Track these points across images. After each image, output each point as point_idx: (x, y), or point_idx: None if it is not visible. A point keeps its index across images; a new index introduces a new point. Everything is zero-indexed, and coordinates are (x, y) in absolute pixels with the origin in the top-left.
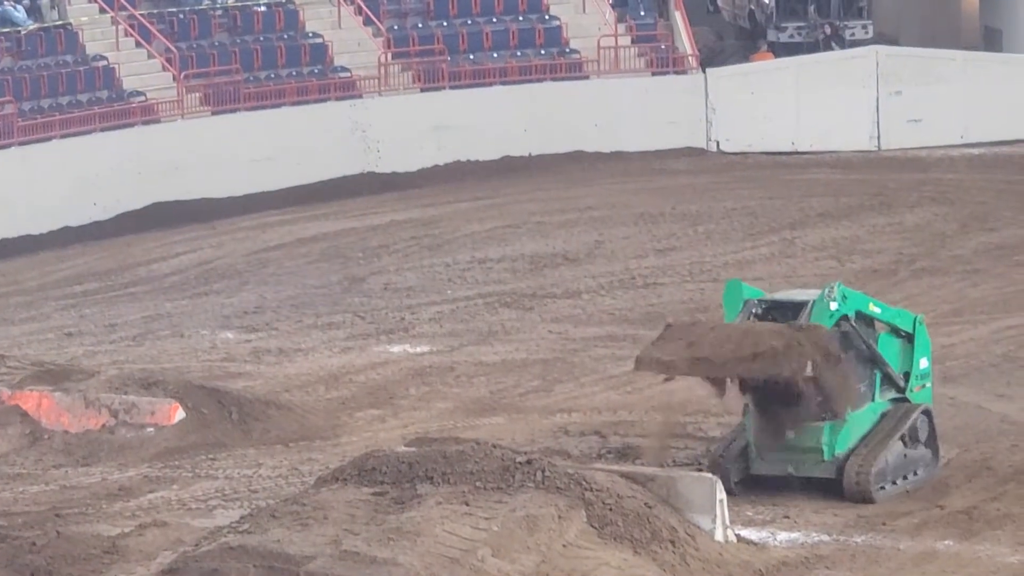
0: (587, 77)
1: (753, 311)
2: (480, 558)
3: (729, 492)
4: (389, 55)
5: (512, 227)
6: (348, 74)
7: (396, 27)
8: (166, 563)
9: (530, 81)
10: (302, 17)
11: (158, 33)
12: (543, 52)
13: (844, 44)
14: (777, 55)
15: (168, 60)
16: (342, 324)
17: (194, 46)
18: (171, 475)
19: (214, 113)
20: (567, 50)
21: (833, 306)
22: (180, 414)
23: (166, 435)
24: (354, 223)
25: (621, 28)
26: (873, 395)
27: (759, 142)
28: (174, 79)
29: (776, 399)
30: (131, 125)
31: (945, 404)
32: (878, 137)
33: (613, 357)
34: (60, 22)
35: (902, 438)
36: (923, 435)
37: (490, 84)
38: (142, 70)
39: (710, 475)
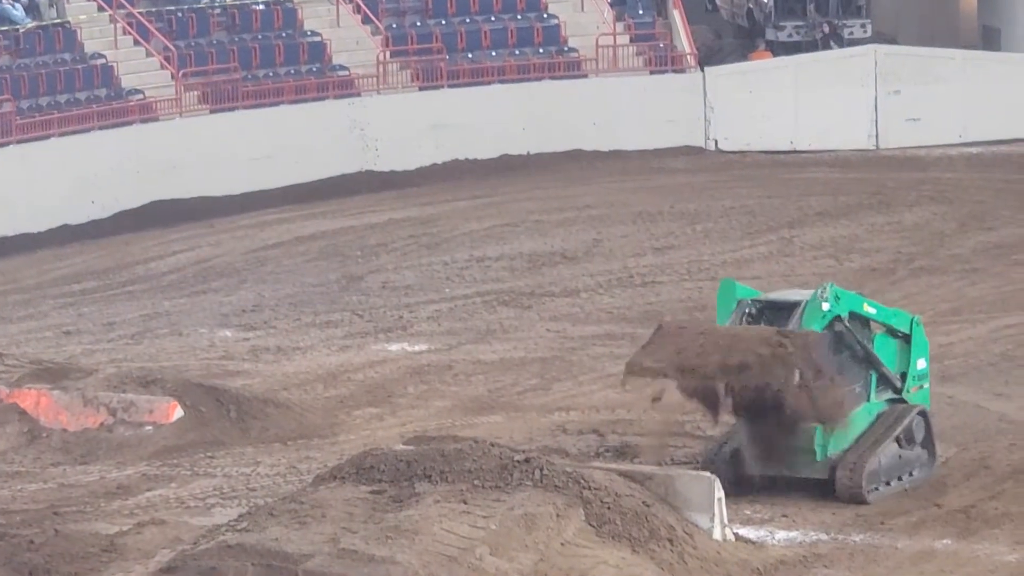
0: (585, 76)
1: (746, 311)
2: (478, 556)
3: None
4: (387, 53)
5: (510, 226)
6: (346, 72)
7: (394, 25)
8: (164, 561)
9: (528, 80)
10: (300, 15)
11: (156, 31)
12: (541, 51)
13: (843, 43)
14: (776, 54)
15: (166, 58)
16: (340, 322)
17: (192, 44)
18: (169, 473)
19: (212, 111)
20: (565, 49)
21: (825, 307)
22: (178, 412)
23: (164, 433)
24: (352, 221)
25: (619, 27)
26: (868, 396)
27: (757, 141)
28: (172, 77)
29: (766, 412)
30: (129, 123)
31: (943, 403)
32: (876, 136)
33: (611, 355)
34: (58, 20)
35: (897, 439)
36: (919, 436)
37: (488, 83)
38: (140, 68)
39: (708, 474)
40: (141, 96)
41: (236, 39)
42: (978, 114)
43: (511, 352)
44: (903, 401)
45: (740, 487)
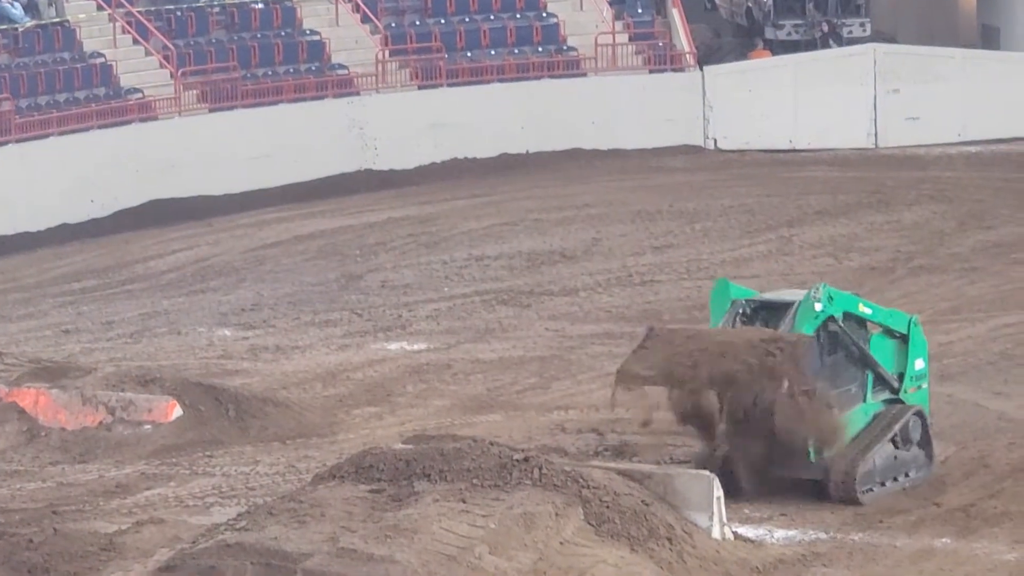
0: (584, 75)
1: (740, 311)
2: (477, 555)
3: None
4: (387, 52)
5: (509, 225)
6: (345, 71)
7: (393, 24)
8: (163, 560)
9: (527, 79)
10: (299, 14)
11: (155, 30)
12: (540, 50)
13: (842, 42)
14: (775, 53)
15: (165, 57)
16: (339, 321)
17: (191, 43)
18: (168, 472)
19: (211, 110)
20: (564, 48)
21: (818, 307)
22: (177, 411)
23: (163, 432)
24: (351, 220)
25: (619, 26)
26: (864, 396)
27: (757, 140)
28: (171, 76)
29: (757, 425)
30: (128, 122)
31: (943, 402)
32: (876, 135)
33: (610, 354)
34: (57, 19)
35: (893, 440)
36: (915, 436)
37: (487, 82)
38: (139, 67)
39: (707, 472)
40: (140, 95)
41: (235, 38)
42: (977, 113)
43: (510, 351)
44: (900, 401)
45: (733, 491)
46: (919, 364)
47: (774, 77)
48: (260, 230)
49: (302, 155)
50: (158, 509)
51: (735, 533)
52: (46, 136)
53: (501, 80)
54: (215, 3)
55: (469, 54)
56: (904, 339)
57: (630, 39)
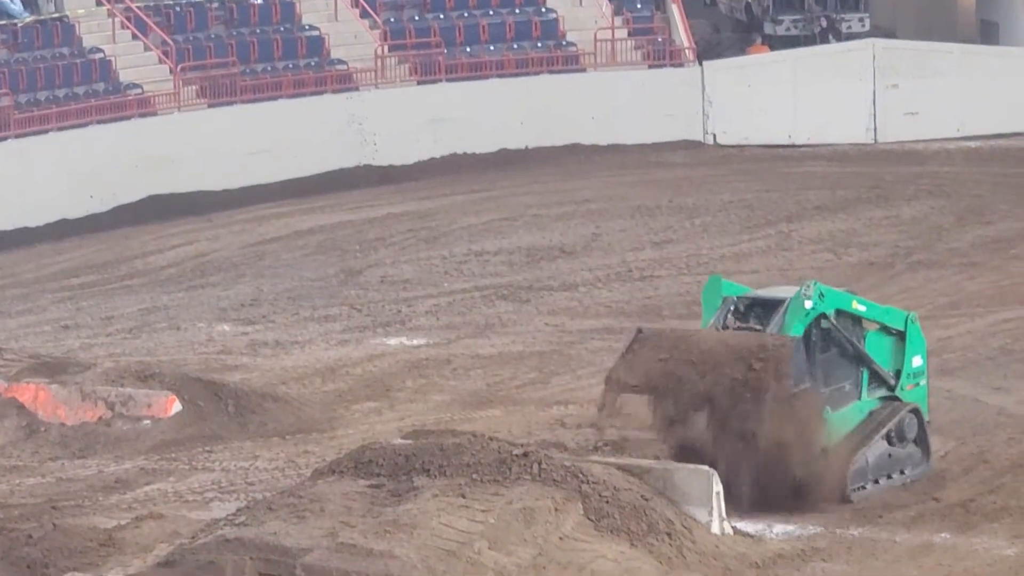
0: (584, 70)
1: (731, 308)
2: (477, 550)
3: None
4: (386, 48)
5: (509, 220)
6: (345, 67)
7: (392, 20)
8: (163, 555)
9: (527, 74)
10: (298, 10)
11: (154, 26)
12: (540, 45)
13: (841, 37)
14: (774, 48)
15: (164, 53)
16: (339, 317)
17: (190, 39)
18: (168, 467)
19: (210, 106)
20: (564, 43)
21: (808, 304)
22: (177, 407)
23: (163, 428)
24: (351, 216)
25: (618, 21)
26: (860, 394)
27: (756, 135)
28: (170, 72)
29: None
30: (127, 118)
31: (942, 397)
32: (875, 130)
33: (610, 350)
34: (56, 14)
35: (888, 437)
36: (911, 434)
37: (487, 77)
38: (138, 63)
39: (707, 468)
40: (139, 90)
41: (234, 33)
42: (976, 108)
43: (509, 346)
44: (897, 399)
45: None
46: (917, 361)
47: (773, 72)
48: (259, 225)
49: (301, 150)
50: (157, 504)
51: (734, 528)
52: (45, 132)
53: (500, 75)
54: None
55: (468, 49)
56: (901, 336)
57: (629, 34)
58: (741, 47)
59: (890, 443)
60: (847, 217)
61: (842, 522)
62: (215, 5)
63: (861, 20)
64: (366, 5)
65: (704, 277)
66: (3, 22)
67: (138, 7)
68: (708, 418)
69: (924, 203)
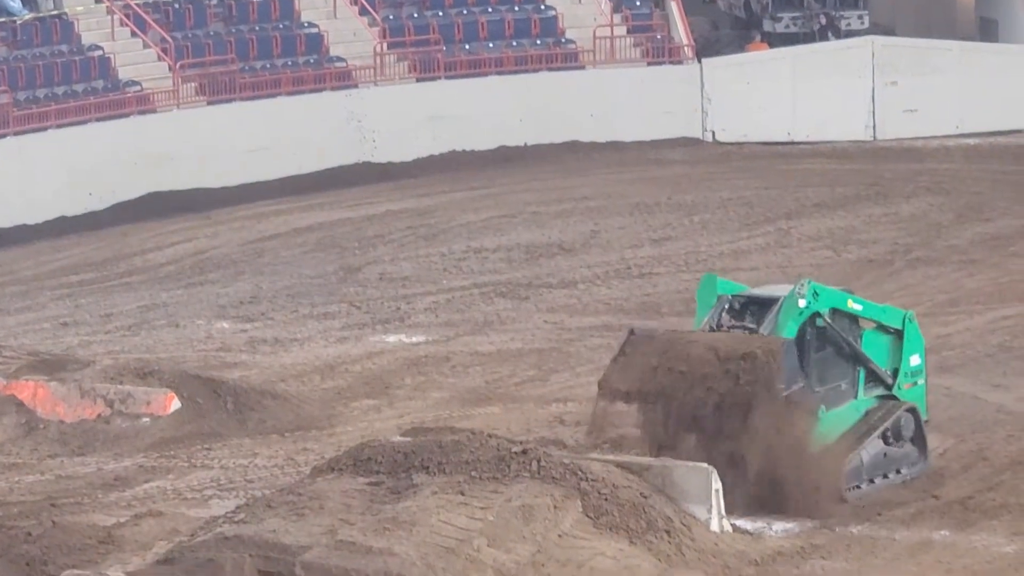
0: (583, 67)
1: (725, 306)
2: (476, 548)
3: None
4: (385, 45)
5: (508, 217)
6: (344, 64)
7: (391, 17)
8: (162, 553)
9: (526, 71)
10: (297, 7)
11: (153, 23)
12: (539, 42)
13: (840, 34)
14: (773, 45)
15: (163, 50)
16: (338, 314)
17: (189, 36)
18: (167, 465)
19: (209, 103)
20: (563, 40)
21: (801, 303)
22: (176, 404)
23: (162, 425)
24: (350, 213)
25: (617, 18)
26: (856, 392)
27: (755, 132)
28: (170, 69)
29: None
30: (127, 115)
31: (941, 394)
32: (874, 127)
33: (608, 347)
34: (56, 12)
35: (884, 436)
36: (907, 433)
37: (486, 74)
38: (138, 60)
39: (706, 465)
40: (138, 88)
41: (233, 30)
42: (975, 105)
43: (508, 343)
44: (894, 398)
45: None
46: (915, 360)
47: (772, 69)
48: (258, 223)
49: (300, 148)
50: (156, 502)
51: (733, 525)
52: (44, 129)
53: (499, 73)
54: None
55: (467, 46)
56: (899, 335)
57: (628, 32)
58: (740, 44)
59: (886, 442)
60: (846, 214)
61: (841, 519)
62: (214, 2)
63: (860, 17)
64: (365, 2)
65: (703, 275)
66: (2, 19)
67: (137, 4)
68: (698, 432)
69: (923, 200)
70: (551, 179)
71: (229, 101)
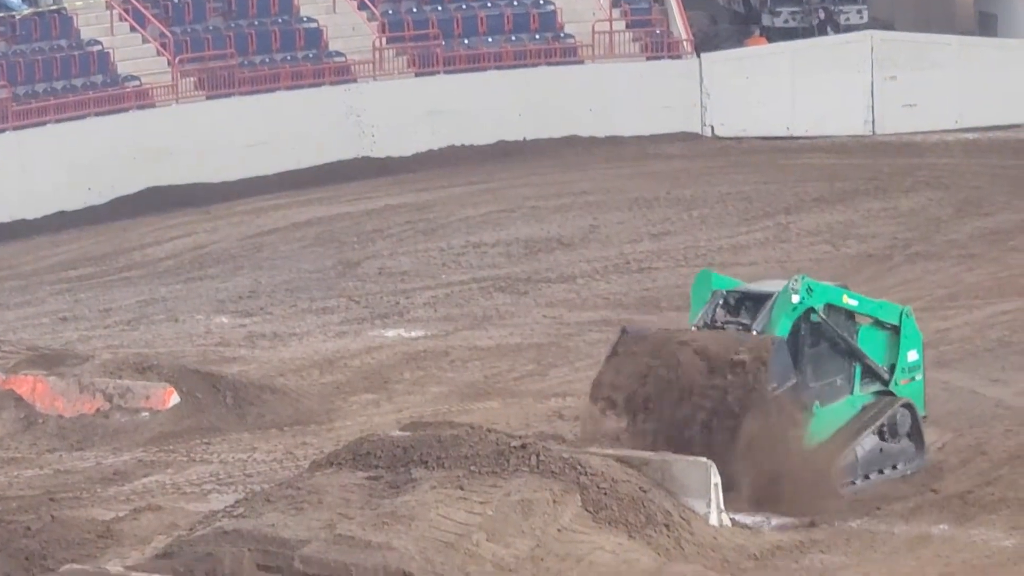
0: (582, 62)
1: (720, 302)
2: (475, 542)
3: None
4: (384, 40)
5: (507, 211)
6: (343, 59)
7: (391, 11)
8: (161, 547)
9: (525, 66)
10: (296, 1)
11: (152, 18)
12: (538, 37)
13: (839, 29)
14: (772, 40)
15: (163, 45)
16: (336, 308)
17: (188, 31)
18: (166, 459)
19: (209, 98)
20: (562, 35)
21: (795, 299)
22: (175, 398)
23: (161, 419)
24: (348, 208)
25: (616, 13)
26: (852, 388)
27: (754, 127)
28: (169, 64)
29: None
30: (126, 110)
31: (940, 389)
32: (873, 122)
33: (607, 342)
34: (54, 7)
35: (879, 432)
36: (904, 429)
37: (485, 69)
38: (137, 55)
39: (705, 459)
40: (137, 82)
41: (232, 25)
42: (974, 100)
43: (507, 338)
44: (891, 393)
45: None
46: (912, 356)
47: (771, 64)
48: (257, 217)
49: (299, 142)
50: (155, 496)
51: (732, 520)
52: (43, 124)
53: (498, 67)
54: None
55: (466, 41)
56: (896, 330)
57: (627, 26)
58: (739, 39)
59: (882, 438)
60: (845, 209)
61: (840, 513)
62: None
63: (859, 12)
64: None
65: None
66: (1, 14)
67: None
68: (686, 447)
69: (922, 195)
70: (550, 174)
71: (228, 96)
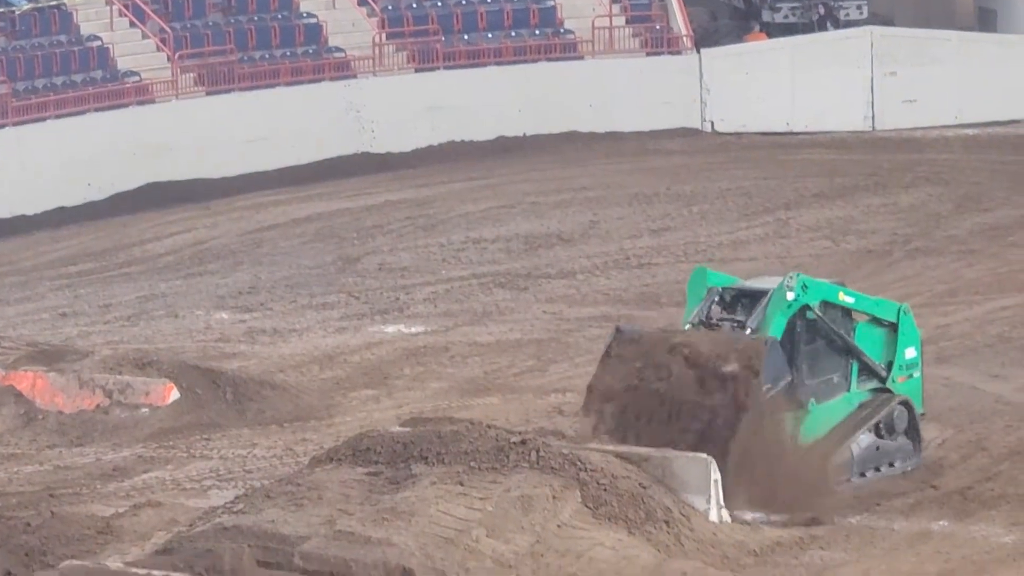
0: (582, 57)
1: (715, 299)
2: (474, 538)
3: None
4: (383, 35)
5: (507, 207)
6: (342, 54)
7: (390, 7)
8: (160, 543)
9: (525, 61)
10: None
11: (152, 13)
12: (538, 32)
13: (839, 24)
14: (771, 35)
15: (162, 40)
16: (336, 304)
17: (188, 26)
18: (165, 455)
19: (208, 93)
20: (562, 30)
21: (790, 296)
22: (174, 394)
23: (160, 415)
24: (348, 203)
25: (616, 8)
26: (849, 386)
27: (754, 122)
28: (168, 59)
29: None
30: (125, 105)
31: (939, 385)
32: (873, 117)
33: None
34: (54, 2)
35: (876, 429)
36: (900, 426)
37: (485, 64)
38: (136, 50)
39: (705, 455)
40: (137, 78)
41: (232, 21)
42: (974, 95)
43: (507, 334)
44: (889, 391)
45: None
46: (910, 353)
47: (771, 60)
48: (257, 213)
49: (299, 138)
50: (155, 492)
51: (732, 516)
52: (43, 119)
53: (498, 63)
54: None
55: (466, 37)
56: (893, 327)
57: (627, 22)
58: (739, 35)
59: (879, 435)
60: (845, 205)
61: (840, 509)
62: None
63: (859, 7)
64: None
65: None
66: (1, 9)
67: None
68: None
69: (922, 190)
70: (550, 169)
71: (228, 91)
